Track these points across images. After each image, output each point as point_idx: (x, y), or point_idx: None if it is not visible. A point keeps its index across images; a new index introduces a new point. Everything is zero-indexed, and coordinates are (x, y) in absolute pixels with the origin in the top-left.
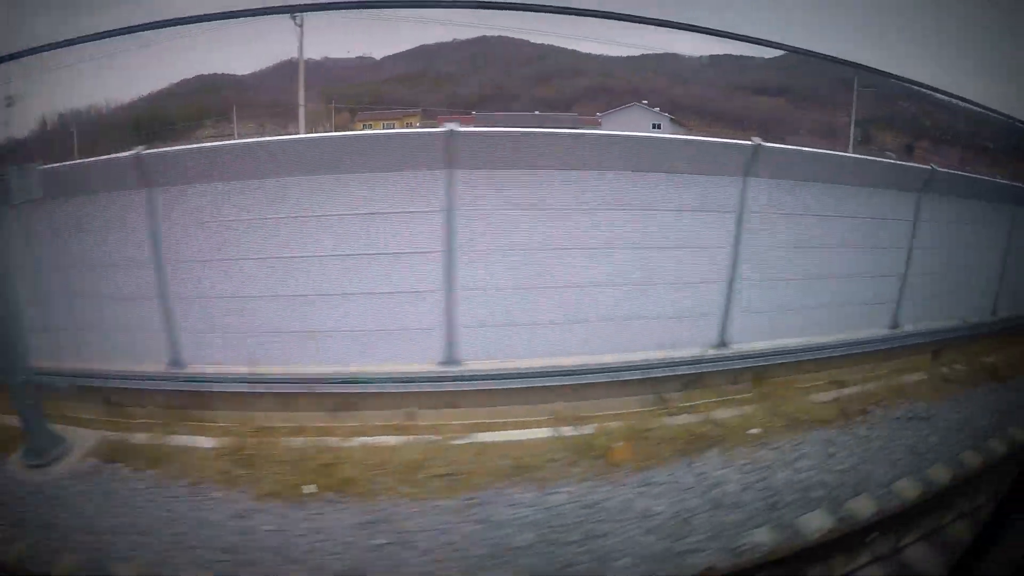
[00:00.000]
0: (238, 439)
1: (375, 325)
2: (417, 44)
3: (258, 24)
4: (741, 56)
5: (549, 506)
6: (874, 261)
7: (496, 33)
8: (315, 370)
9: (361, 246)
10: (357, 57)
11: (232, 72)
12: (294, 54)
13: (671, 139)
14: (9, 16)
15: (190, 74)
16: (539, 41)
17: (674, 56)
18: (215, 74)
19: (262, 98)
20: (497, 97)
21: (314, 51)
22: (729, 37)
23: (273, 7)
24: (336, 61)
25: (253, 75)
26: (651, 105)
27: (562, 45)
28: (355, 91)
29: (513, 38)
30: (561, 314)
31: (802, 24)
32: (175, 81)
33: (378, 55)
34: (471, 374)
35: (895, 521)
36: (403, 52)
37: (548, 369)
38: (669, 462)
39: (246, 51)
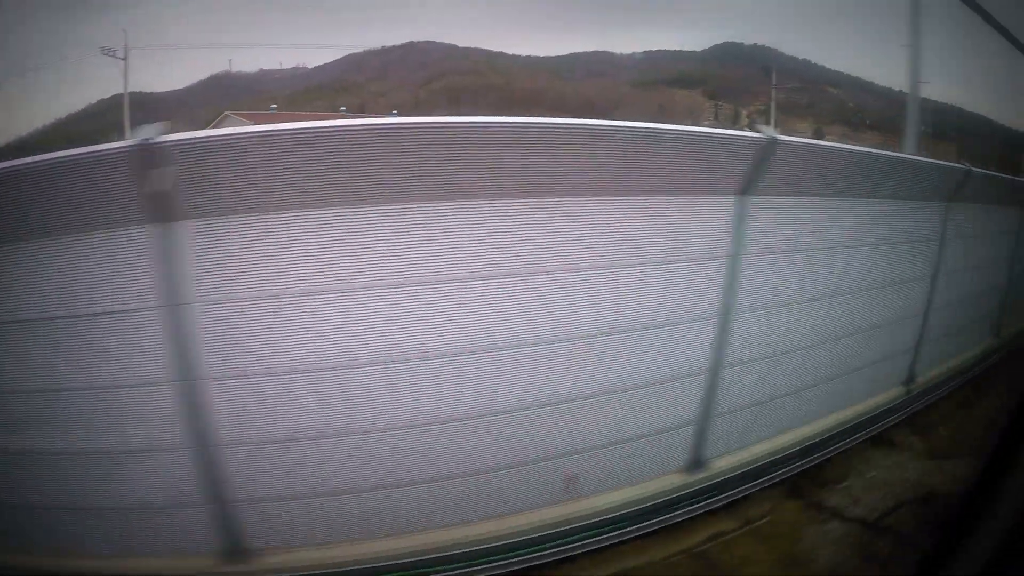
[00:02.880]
0: None
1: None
2: (346, 52)
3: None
4: (677, 51)
5: None
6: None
7: (424, 39)
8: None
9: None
10: (291, 68)
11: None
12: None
13: None
14: None
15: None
16: (465, 44)
17: (605, 53)
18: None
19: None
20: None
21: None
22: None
23: None
24: (268, 72)
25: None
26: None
27: (488, 47)
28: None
29: (439, 42)
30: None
31: (736, 15)
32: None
33: (310, 64)
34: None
35: None
36: (331, 62)
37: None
38: None
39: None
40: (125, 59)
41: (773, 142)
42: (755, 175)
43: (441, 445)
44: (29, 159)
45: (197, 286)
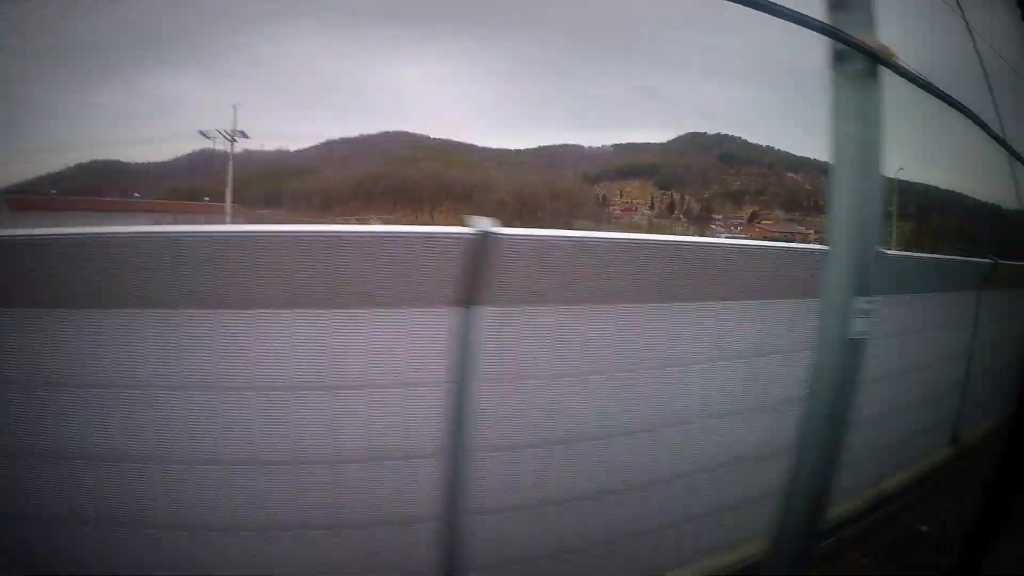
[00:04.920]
0: None
1: None
2: (324, 139)
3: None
4: (645, 143)
5: None
6: None
7: (399, 128)
8: None
9: None
10: (275, 150)
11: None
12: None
13: None
14: None
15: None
16: (437, 136)
17: (574, 147)
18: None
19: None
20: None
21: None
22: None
23: None
24: (254, 154)
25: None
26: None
27: (459, 139)
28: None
29: (414, 132)
30: None
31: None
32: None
33: (292, 148)
34: None
35: None
36: (311, 147)
37: None
38: None
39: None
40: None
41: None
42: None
43: None
44: None
45: None
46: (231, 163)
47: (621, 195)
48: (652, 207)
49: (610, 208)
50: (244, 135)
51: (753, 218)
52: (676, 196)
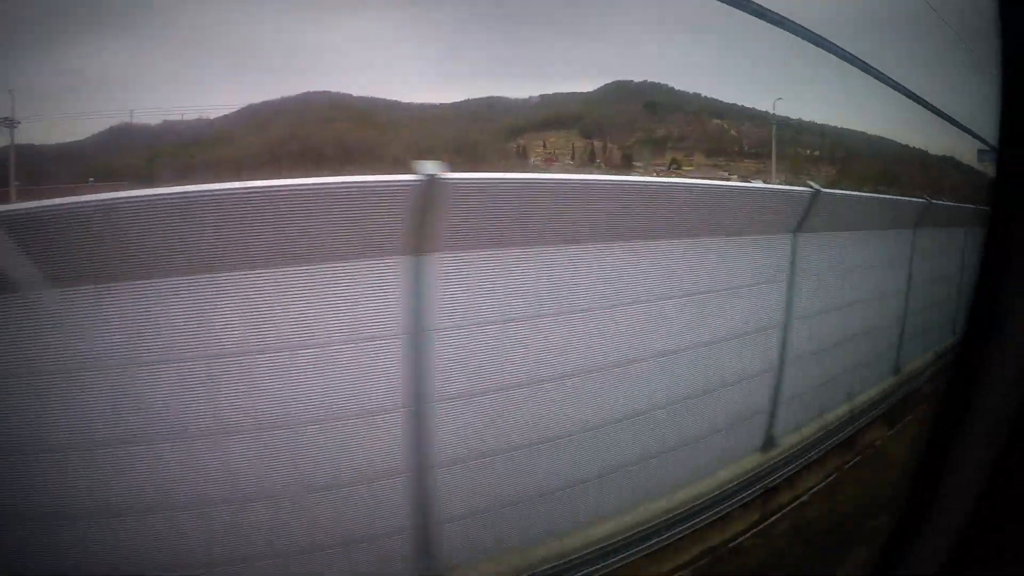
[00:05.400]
0: None
1: None
2: (245, 104)
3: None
4: (571, 92)
5: None
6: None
7: (320, 88)
8: None
9: None
10: (194, 120)
11: None
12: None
13: None
14: None
15: None
16: (360, 94)
17: (500, 99)
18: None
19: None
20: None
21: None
22: None
23: None
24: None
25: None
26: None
27: (384, 96)
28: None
29: (335, 92)
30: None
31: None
32: None
33: (212, 115)
34: None
35: None
36: (232, 113)
37: None
38: None
39: None
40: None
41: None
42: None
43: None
44: None
45: None
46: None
47: (544, 146)
48: (573, 157)
49: (531, 160)
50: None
51: (673, 164)
52: (598, 144)
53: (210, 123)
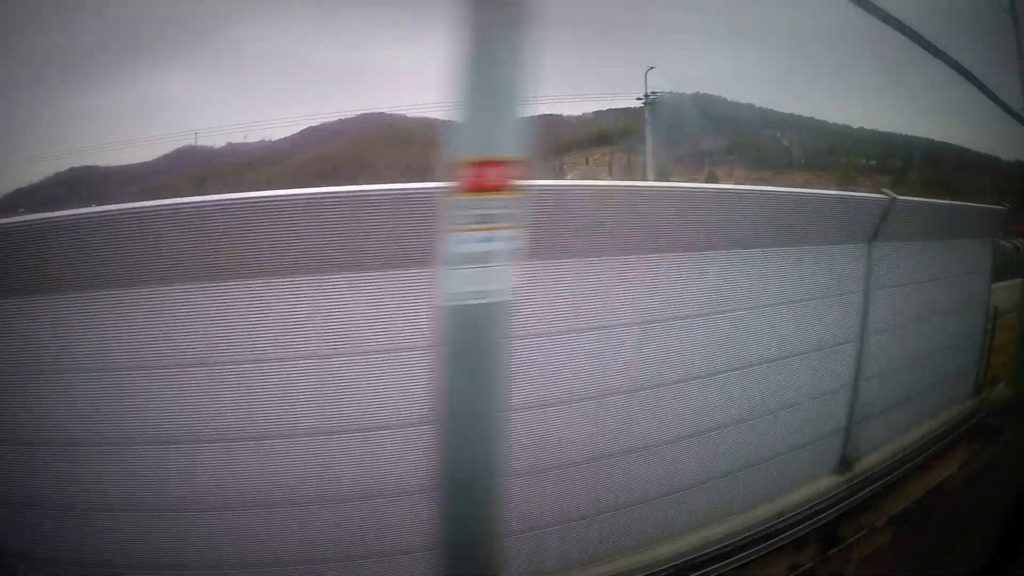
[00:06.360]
0: None
1: None
2: (305, 126)
3: None
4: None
5: None
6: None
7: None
8: None
9: None
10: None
11: None
12: None
13: None
14: None
15: None
16: (415, 115)
17: (556, 116)
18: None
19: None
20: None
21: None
22: None
23: None
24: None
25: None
26: None
27: (438, 117)
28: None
29: (390, 112)
30: None
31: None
32: None
33: (275, 137)
34: None
35: None
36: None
37: None
38: None
39: None
40: None
41: None
42: None
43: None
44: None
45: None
46: None
47: (587, 163)
48: (610, 171)
49: (569, 176)
50: None
51: (709, 179)
52: (640, 160)
53: (272, 144)
